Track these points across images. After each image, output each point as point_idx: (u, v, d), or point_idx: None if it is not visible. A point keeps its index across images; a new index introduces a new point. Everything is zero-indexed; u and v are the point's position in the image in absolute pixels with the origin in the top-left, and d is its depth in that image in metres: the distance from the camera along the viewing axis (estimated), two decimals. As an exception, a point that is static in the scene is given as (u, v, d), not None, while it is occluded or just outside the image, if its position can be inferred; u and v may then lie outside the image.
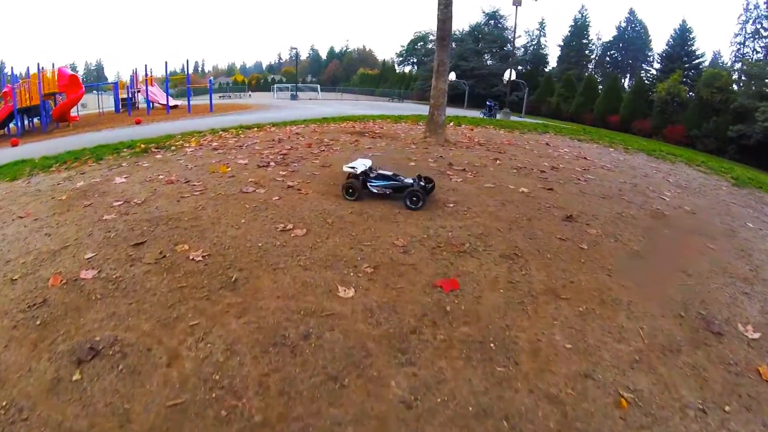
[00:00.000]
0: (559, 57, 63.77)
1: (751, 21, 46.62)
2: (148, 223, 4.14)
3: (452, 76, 40.05)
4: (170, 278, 3.18)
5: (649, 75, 54.40)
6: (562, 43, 63.57)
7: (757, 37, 45.64)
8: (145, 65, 30.33)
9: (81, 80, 23.34)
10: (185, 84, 28.35)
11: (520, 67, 57.81)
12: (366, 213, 4.41)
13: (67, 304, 2.89)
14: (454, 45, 57.37)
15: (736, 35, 49.59)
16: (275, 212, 4.40)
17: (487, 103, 28.56)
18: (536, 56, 63.75)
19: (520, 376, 2.35)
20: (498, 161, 7.40)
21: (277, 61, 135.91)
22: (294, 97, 46.04)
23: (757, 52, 45.14)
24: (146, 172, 6.12)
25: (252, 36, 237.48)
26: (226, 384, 2.24)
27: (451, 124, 13.37)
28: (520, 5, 32.50)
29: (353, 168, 4.98)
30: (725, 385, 2.50)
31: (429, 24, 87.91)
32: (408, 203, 4.65)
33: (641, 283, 3.48)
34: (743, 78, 40.06)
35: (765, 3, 43.91)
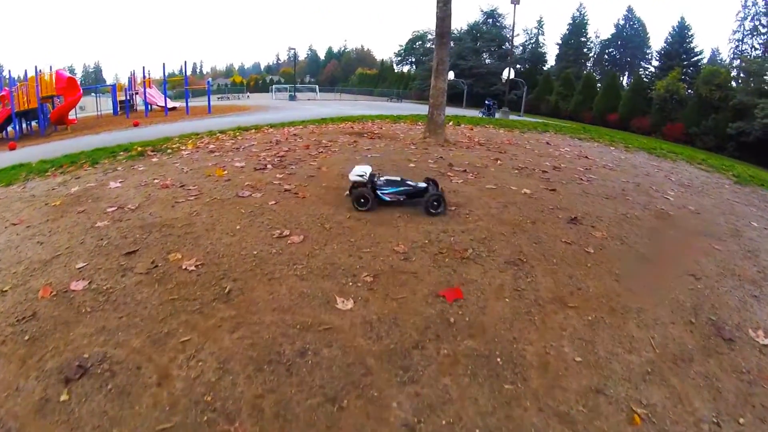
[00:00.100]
0: (558, 55, 63.70)
1: (749, 18, 46.52)
2: (141, 230, 4.04)
3: (451, 75, 39.81)
4: (162, 290, 3.07)
5: (647, 73, 54.25)
6: (560, 42, 63.48)
7: (755, 33, 45.53)
8: (143, 67, 30.18)
9: (79, 83, 23.24)
10: (183, 86, 28.26)
11: (518, 66, 57.74)
12: (365, 218, 4.29)
13: (56, 318, 2.78)
14: (452, 44, 57.15)
15: (735, 32, 49.45)
16: (271, 217, 4.29)
17: (486, 102, 28.43)
18: (535, 55, 63.54)
19: (528, 393, 2.23)
20: (499, 161, 7.30)
21: (275, 62, 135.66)
22: (292, 98, 45.85)
23: (756, 49, 45.05)
24: (141, 176, 6.03)
25: (250, 37, 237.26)
26: (218, 406, 2.12)
27: (451, 123, 13.28)
28: (519, 3, 32.42)
29: (362, 175, 4.65)
30: (738, 395, 2.41)
31: (427, 23, 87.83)
32: (430, 209, 4.44)
33: (650, 288, 3.37)
34: (742, 75, 39.94)
35: (764, 0, 43.85)
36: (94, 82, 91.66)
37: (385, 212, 4.45)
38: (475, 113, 25.50)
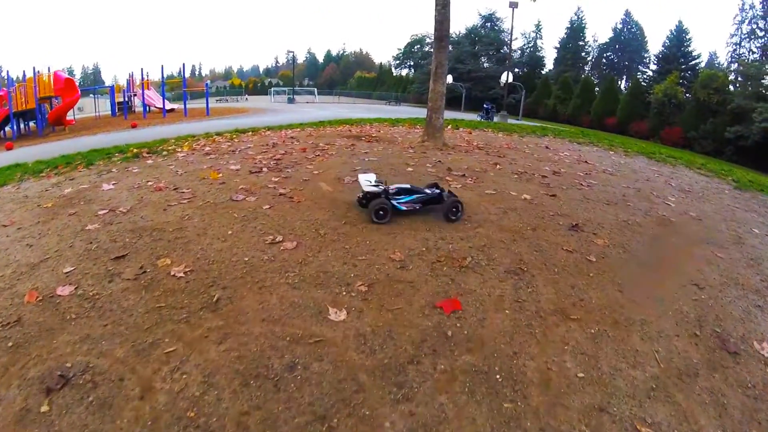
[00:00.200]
0: (556, 59, 63.72)
1: (747, 21, 46.51)
2: (131, 234, 3.93)
3: (449, 78, 39.82)
4: (149, 297, 2.96)
5: (645, 77, 54.27)
6: (558, 45, 63.52)
7: (753, 37, 45.49)
8: (141, 69, 30.09)
9: (77, 84, 23.19)
10: (182, 87, 28.21)
11: (516, 70, 57.65)
12: (361, 224, 4.18)
13: (41, 324, 2.68)
14: (450, 48, 57.14)
15: (732, 36, 49.47)
16: (265, 222, 4.18)
17: (485, 105, 28.42)
18: (533, 58, 63.63)
19: (529, 412, 2.12)
20: (498, 166, 7.20)
21: (274, 65, 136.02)
22: (291, 101, 45.84)
23: (753, 53, 45.03)
24: (135, 179, 5.92)
25: (249, 40, 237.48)
26: (201, 423, 2.01)
27: (449, 127, 13.20)
28: (517, 7, 32.45)
29: (376, 185, 4.42)
30: (744, 411, 2.34)
31: (426, 27, 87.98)
32: (450, 216, 4.33)
33: (653, 298, 3.28)
34: (740, 79, 39.83)
35: (761, 3, 43.88)
36: (92, 83, 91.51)
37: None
38: (473, 117, 25.45)
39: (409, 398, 2.15)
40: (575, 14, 62.96)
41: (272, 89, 60.98)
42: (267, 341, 2.52)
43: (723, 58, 52.95)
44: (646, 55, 60.82)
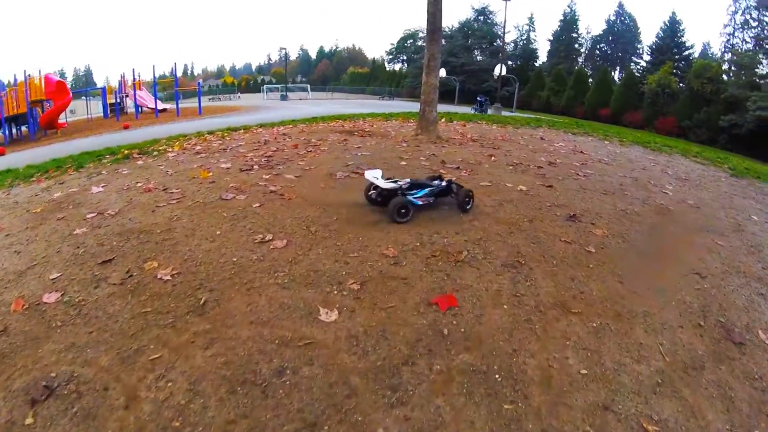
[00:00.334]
0: (549, 51, 63.60)
1: (740, 12, 46.26)
2: (118, 237, 3.81)
3: (442, 72, 39.77)
4: (135, 302, 2.84)
5: (639, 67, 54.30)
6: (551, 38, 63.36)
7: (746, 27, 45.28)
8: (133, 69, 29.80)
9: (68, 86, 22.98)
10: (174, 87, 28.01)
11: (510, 63, 57.58)
12: (354, 220, 4.07)
13: (26, 333, 2.57)
14: (444, 42, 57.12)
15: (726, 26, 49.62)
16: (254, 221, 4.06)
17: (478, 98, 28.38)
18: (526, 51, 63.43)
19: (530, 413, 2.01)
20: (493, 158, 7.12)
21: (266, 62, 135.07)
22: (284, 98, 45.60)
23: (747, 43, 44.83)
24: (125, 180, 5.79)
25: (241, 38, 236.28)
26: (186, 433, 1.89)
27: (443, 120, 13.12)
28: (510, 0, 32.27)
29: (396, 181, 4.27)
30: (752, 405, 2.26)
31: (419, 21, 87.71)
32: (465, 207, 4.32)
33: (655, 288, 3.19)
34: (733, 68, 39.96)
35: (754, -7, 43.78)
36: (85, 85, 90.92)
37: (374, 213, 4.23)
38: (467, 110, 25.30)
39: (404, 402, 2.04)
40: (568, 6, 62.87)
41: (265, 87, 60.60)
42: (255, 345, 2.40)
43: (716, 49, 52.85)
44: (639, 47, 60.72)
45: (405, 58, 77.30)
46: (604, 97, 43.22)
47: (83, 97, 29.60)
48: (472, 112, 23.31)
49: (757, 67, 35.81)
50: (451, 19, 79.80)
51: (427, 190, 4.31)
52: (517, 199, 4.86)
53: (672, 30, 48.31)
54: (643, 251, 3.85)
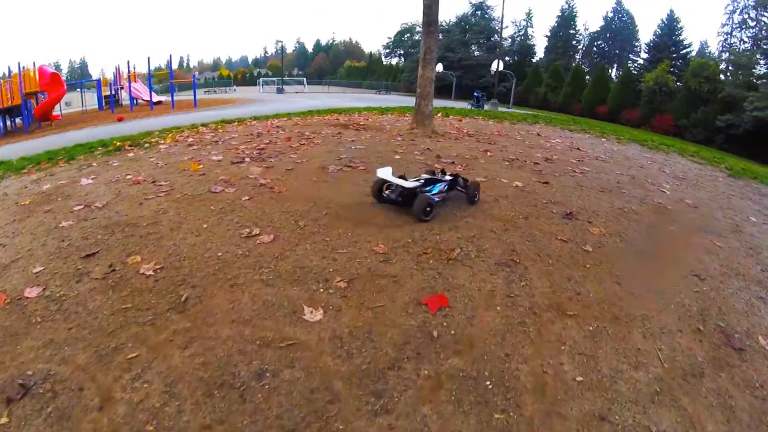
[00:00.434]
0: (547, 47, 63.47)
1: (738, 11, 46.20)
2: (104, 230, 3.70)
3: (439, 67, 39.54)
4: (115, 297, 2.74)
5: (636, 65, 54.22)
6: (549, 34, 63.26)
7: (744, 27, 45.17)
8: (128, 61, 29.44)
9: (64, 78, 22.71)
10: (169, 79, 27.74)
11: (507, 58, 57.41)
12: (344, 214, 3.95)
13: (6, 329, 2.48)
14: (441, 36, 56.90)
15: (723, 25, 49.43)
16: (242, 215, 3.93)
17: (475, 94, 28.25)
18: (523, 47, 63.30)
19: (523, 424, 1.89)
20: (489, 153, 7.02)
21: (263, 55, 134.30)
22: (280, 91, 45.20)
23: (744, 42, 44.75)
24: (115, 172, 5.66)
25: (237, 30, 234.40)
26: (159, 439, 1.78)
27: (439, 115, 13.03)
28: (508, -6, 32.05)
29: (418, 179, 4.19)
30: (752, 414, 2.17)
31: (416, 15, 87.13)
32: (475, 199, 4.36)
33: (653, 290, 3.09)
34: (731, 68, 39.89)
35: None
36: (80, 77, 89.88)
37: (366, 208, 4.12)
38: (464, 105, 25.24)
39: (389, 410, 1.92)
40: (566, 2, 62.37)
41: (261, 79, 60.10)
42: (235, 345, 2.29)
43: (714, 48, 53.02)
44: (637, 44, 60.74)
45: (402, 52, 76.94)
46: (602, 95, 43.15)
47: (78, 89, 29.19)
48: (469, 107, 23.22)
49: (755, 67, 35.83)
50: (448, 14, 79.67)
51: (439, 185, 4.22)
52: (512, 195, 4.75)
53: (670, 28, 48.22)
54: (641, 251, 3.75)
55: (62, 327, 2.48)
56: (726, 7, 51.47)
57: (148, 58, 27.06)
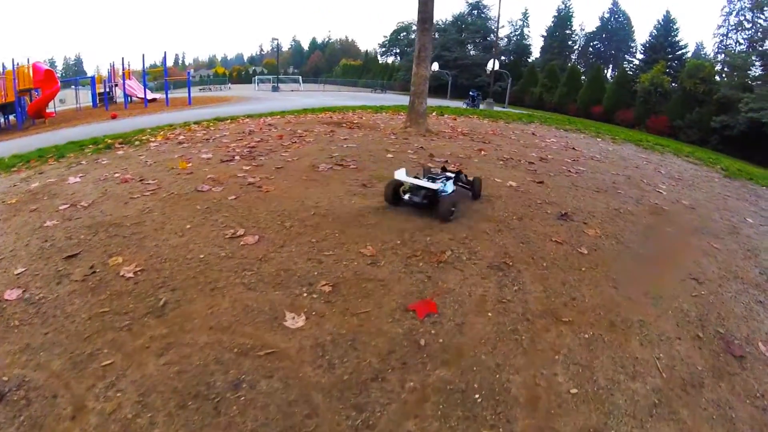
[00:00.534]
0: (543, 47, 63.65)
1: (734, 13, 46.24)
2: (87, 230, 3.59)
3: (435, 66, 39.52)
4: (94, 301, 2.62)
5: (632, 66, 54.32)
6: (545, 34, 63.42)
7: (740, 29, 45.30)
8: (122, 58, 29.27)
9: (58, 75, 22.51)
10: (164, 77, 27.57)
11: (503, 58, 57.53)
12: (333, 214, 3.83)
13: None
14: (437, 35, 56.83)
15: (719, 27, 49.40)
16: (228, 215, 3.82)
17: (470, 93, 28.19)
18: (519, 46, 63.34)
19: (514, 440, 1.78)
20: (483, 152, 6.93)
21: (258, 53, 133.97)
22: (275, 89, 44.99)
23: (740, 44, 44.76)
24: (103, 170, 5.55)
25: (233, 28, 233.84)
26: (128, 454, 1.67)
27: (434, 114, 12.94)
28: (504, -6, 31.99)
29: (434, 178, 4.11)
30: (753, 426, 2.07)
31: (412, 14, 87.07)
32: (479, 195, 4.42)
33: (651, 295, 2.98)
34: (726, 69, 40.02)
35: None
36: (75, 74, 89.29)
37: (354, 207, 4.01)
38: (459, 104, 25.17)
39: (370, 425, 1.79)
40: (563, 3, 62.61)
41: (256, 77, 59.87)
42: (212, 353, 2.16)
43: (710, 49, 52.99)
44: (632, 45, 60.98)
45: (398, 50, 77.01)
46: (597, 95, 43.18)
47: (72, 87, 28.98)
48: (464, 106, 23.17)
49: (750, 69, 35.93)
50: (444, 13, 79.72)
51: (451, 182, 4.18)
52: (506, 195, 4.65)
53: (666, 29, 48.38)
54: (638, 253, 3.66)
55: (39, 331, 2.39)
56: (722, 9, 51.59)
57: (143, 55, 27.09)
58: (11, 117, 19.13)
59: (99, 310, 2.54)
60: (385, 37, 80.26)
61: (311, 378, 2.01)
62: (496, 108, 24.83)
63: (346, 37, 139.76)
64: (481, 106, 25.12)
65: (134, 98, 26.19)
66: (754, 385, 2.32)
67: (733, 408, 2.14)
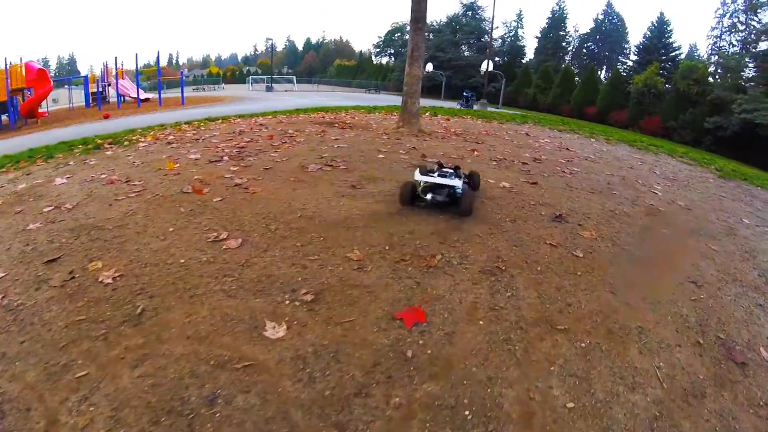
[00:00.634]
0: (537, 49, 63.65)
1: (728, 15, 46.32)
2: (70, 233, 3.47)
3: (429, 66, 39.49)
4: (71, 308, 2.51)
5: (625, 67, 54.45)
6: (539, 35, 63.46)
7: (733, 30, 45.43)
8: (115, 58, 29.02)
9: (51, 75, 22.30)
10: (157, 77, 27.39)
11: (497, 59, 57.45)
12: (320, 216, 3.71)
13: None
14: (431, 36, 56.92)
15: (713, 29, 49.51)
16: (212, 217, 3.69)
17: (464, 93, 28.18)
18: (513, 48, 63.38)
19: (506, 461, 1.66)
20: (476, 152, 6.83)
21: (252, 53, 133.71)
22: (269, 89, 44.77)
23: (734, 46, 44.93)
24: (90, 171, 5.41)
25: (228, 28, 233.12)
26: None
27: (427, 114, 12.86)
28: (498, -6, 31.98)
29: (453, 175, 4.07)
30: None
31: (406, 14, 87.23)
32: (477, 185, 4.50)
33: (649, 300, 2.88)
34: (719, 71, 40.10)
35: (742, -3, 43.93)
36: (68, 74, 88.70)
37: (344, 209, 3.88)
38: (453, 105, 25.10)
39: (353, 446, 1.67)
40: (557, 4, 62.63)
41: (250, 77, 59.59)
42: (188, 365, 2.04)
43: (703, 51, 53.31)
44: (626, 46, 61.11)
45: (392, 51, 76.85)
46: (591, 96, 43.21)
47: (65, 86, 28.74)
48: (458, 107, 23.10)
49: (744, 70, 36.03)
50: (439, 14, 79.81)
51: (463, 177, 4.18)
52: (499, 196, 4.54)
53: (660, 31, 48.49)
54: (635, 256, 3.55)
55: (16, 340, 2.29)
56: (716, 11, 52.00)
57: (136, 55, 26.67)
58: (3, 117, 18.91)
59: (76, 318, 2.43)
60: (380, 37, 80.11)
61: (290, 393, 1.89)
62: (490, 108, 24.79)
63: (341, 37, 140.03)
64: (475, 107, 25.09)
65: (127, 98, 26.06)
66: (756, 393, 2.23)
67: (736, 418, 2.04)
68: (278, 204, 3.98)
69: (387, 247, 3.19)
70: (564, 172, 6.03)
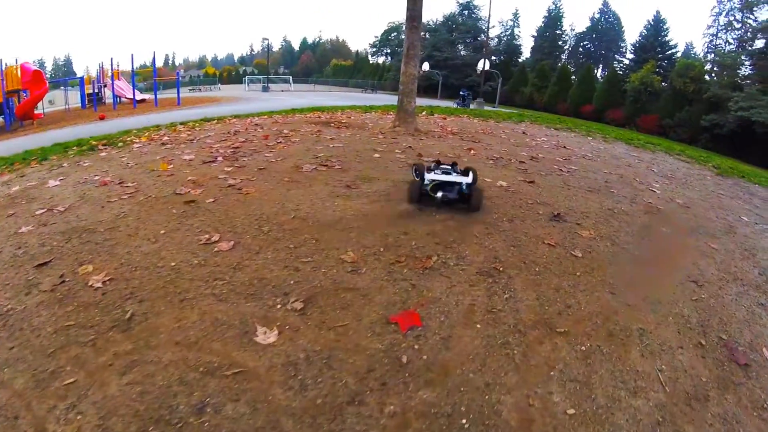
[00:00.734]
0: (533, 47, 63.79)
1: (724, 13, 46.35)
2: (61, 236, 3.41)
3: (426, 66, 39.47)
4: (61, 313, 2.46)
5: (622, 65, 54.57)
6: (536, 34, 63.56)
7: (729, 29, 45.51)
8: (111, 58, 28.90)
9: (47, 76, 22.22)
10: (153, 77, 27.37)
11: (494, 58, 57.57)
12: (313, 217, 3.64)
13: None
14: (428, 35, 56.85)
15: (709, 27, 49.60)
16: (204, 219, 3.62)
17: (461, 92, 28.12)
18: (510, 46, 63.41)
19: (505, 471, 1.60)
20: (473, 151, 6.78)
21: (249, 53, 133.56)
22: (266, 89, 44.72)
23: (730, 44, 44.91)
24: (84, 173, 5.36)
25: (224, 28, 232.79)
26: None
27: (424, 113, 12.83)
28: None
29: (467, 172, 4.15)
30: None
31: (402, 13, 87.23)
32: (475, 180, 4.27)
33: (650, 300, 2.82)
34: (716, 69, 40.22)
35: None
36: (64, 75, 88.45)
37: (338, 209, 3.82)
38: (449, 104, 25.10)
39: (345, 457, 1.61)
40: (553, 3, 62.75)
41: (247, 78, 59.59)
42: (177, 372, 1.98)
43: (699, 49, 53.26)
44: (623, 45, 61.27)
45: (389, 51, 76.86)
46: (587, 94, 43.26)
47: (61, 87, 28.67)
48: (455, 106, 23.08)
49: (740, 68, 36.15)
50: (435, 13, 79.81)
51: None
52: (496, 196, 4.48)
53: (656, 29, 48.62)
54: (635, 255, 3.50)
55: (5, 345, 2.23)
56: (712, 9, 52.05)
57: (132, 56, 26.67)
58: (-1, 118, 18.83)
59: (65, 323, 2.37)
60: (376, 37, 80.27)
61: (281, 401, 1.82)
62: (487, 107, 24.81)
63: (337, 37, 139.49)
64: (472, 106, 25.08)
65: (123, 99, 26.12)
66: (760, 395, 2.18)
67: (740, 422, 1.99)
68: (272, 205, 3.92)
69: (382, 249, 3.13)
70: (561, 170, 5.99)
